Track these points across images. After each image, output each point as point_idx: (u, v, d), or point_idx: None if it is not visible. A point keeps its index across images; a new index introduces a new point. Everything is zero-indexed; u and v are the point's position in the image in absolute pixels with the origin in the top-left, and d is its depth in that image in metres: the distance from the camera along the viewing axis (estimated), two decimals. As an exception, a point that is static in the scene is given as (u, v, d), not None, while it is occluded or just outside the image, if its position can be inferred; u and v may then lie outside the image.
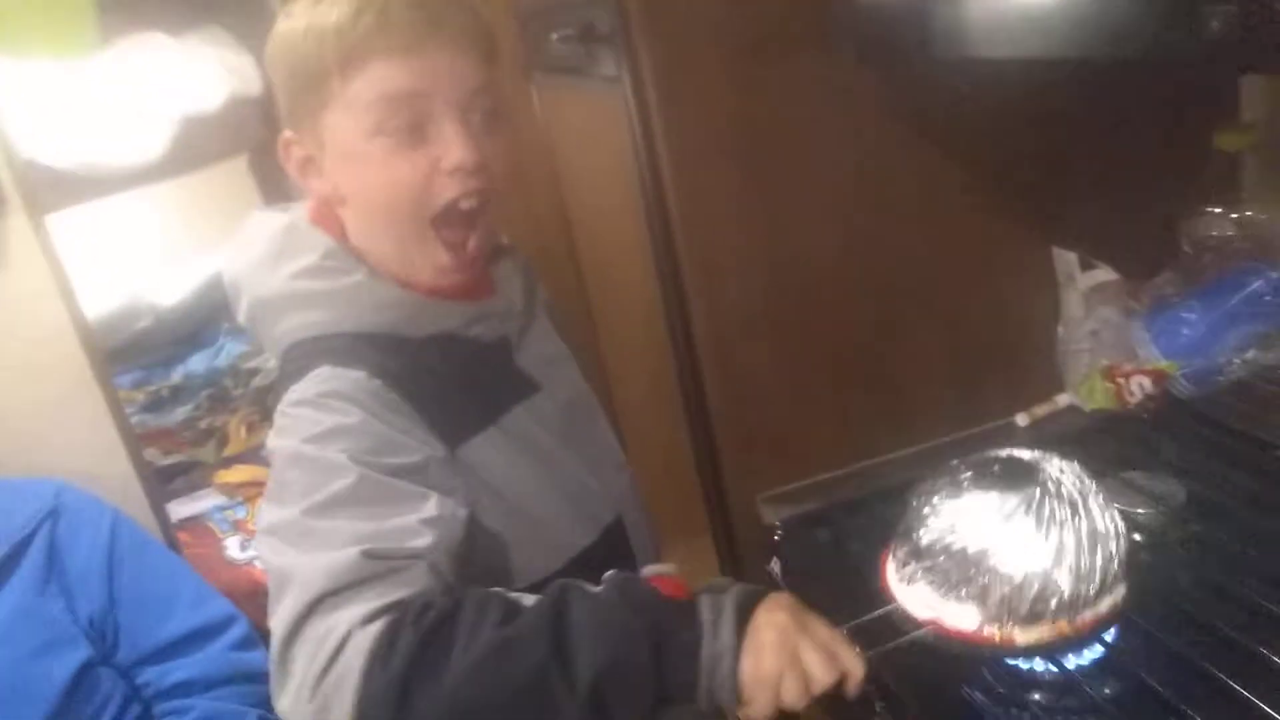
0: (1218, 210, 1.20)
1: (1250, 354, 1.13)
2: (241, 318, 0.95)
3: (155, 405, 2.39)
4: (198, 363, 2.49)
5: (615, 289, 1.63)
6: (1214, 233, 1.20)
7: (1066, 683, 0.86)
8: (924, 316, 1.25)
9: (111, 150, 1.62)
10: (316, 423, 0.81)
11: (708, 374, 1.24)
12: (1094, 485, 0.85)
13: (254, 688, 1.37)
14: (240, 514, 1.99)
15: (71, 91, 1.60)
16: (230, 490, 2.05)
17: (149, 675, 1.32)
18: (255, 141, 2.02)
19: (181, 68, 1.80)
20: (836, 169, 1.18)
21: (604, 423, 1.09)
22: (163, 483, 1.93)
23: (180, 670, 1.32)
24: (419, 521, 0.78)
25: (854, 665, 0.75)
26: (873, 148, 1.18)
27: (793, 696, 0.73)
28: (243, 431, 2.24)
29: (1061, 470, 0.84)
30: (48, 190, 1.49)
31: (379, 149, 0.85)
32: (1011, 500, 0.82)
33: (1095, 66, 1.05)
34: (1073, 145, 1.21)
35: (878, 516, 1.13)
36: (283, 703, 0.74)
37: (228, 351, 2.50)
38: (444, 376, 0.90)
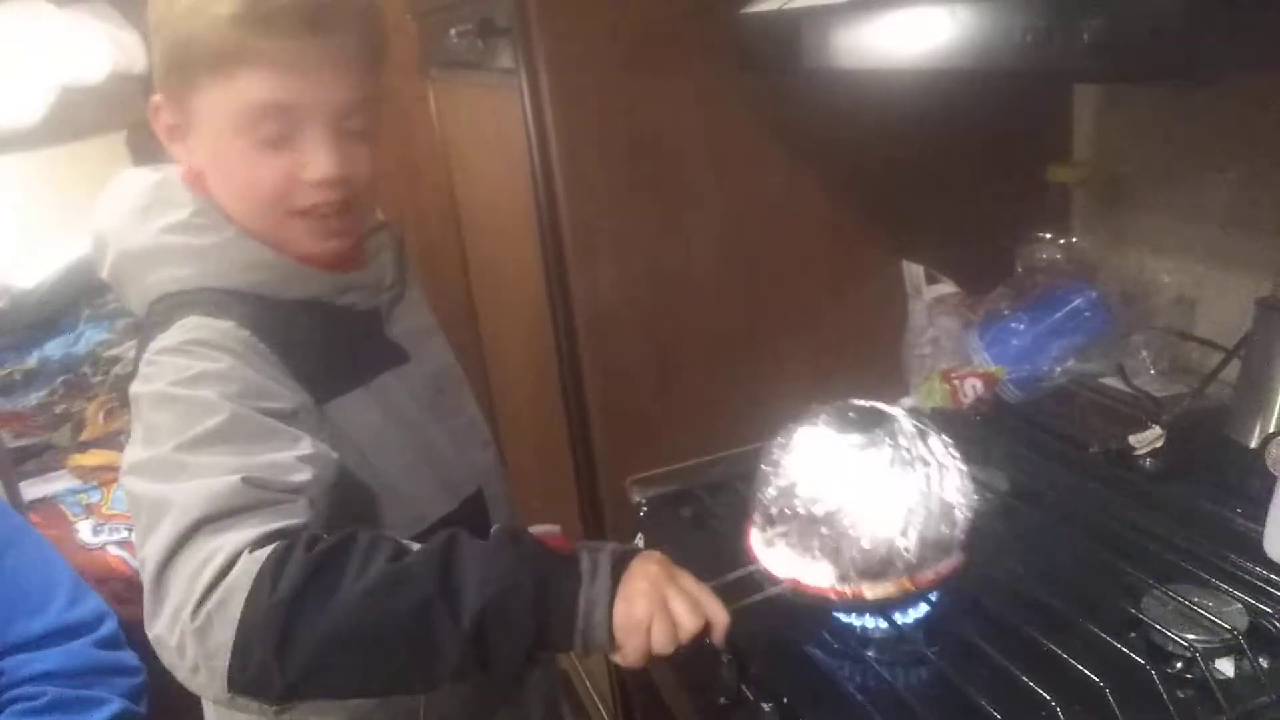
0: (1048, 237, 1.32)
1: (1070, 363, 1.25)
2: (106, 272, 0.93)
3: (7, 389, 2.30)
4: (55, 348, 2.40)
5: (499, 278, 1.68)
6: (1044, 256, 1.32)
7: (897, 639, 0.93)
8: (785, 318, 1.34)
9: (-13, 111, 1.58)
10: (185, 368, 0.81)
11: (586, 362, 1.30)
12: (953, 453, 0.92)
13: (124, 680, 1.35)
14: (94, 498, 1.94)
15: (-55, 49, 1.56)
16: (85, 474, 2.00)
17: (7, 664, 1.28)
18: (135, 118, 1.98)
19: (64, 37, 1.77)
20: (711, 173, 1.25)
21: (471, 398, 1.12)
22: (13, 464, 1.87)
23: (40, 662, 1.29)
24: (295, 458, 0.79)
25: (718, 614, 0.80)
26: (744, 158, 1.26)
27: (661, 641, 0.77)
28: (100, 417, 2.18)
29: (919, 433, 0.91)
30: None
31: (241, 149, 0.85)
32: (868, 460, 0.88)
33: (945, 94, 1.19)
34: (923, 170, 1.32)
35: (736, 496, 1.21)
36: (157, 627, 0.73)
37: (87, 338, 2.42)
38: (312, 336, 0.91)
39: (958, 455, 0.92)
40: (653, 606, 0.77)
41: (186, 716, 1.14)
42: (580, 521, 1.40)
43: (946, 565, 0.90)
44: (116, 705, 1.32)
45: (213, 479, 0.74)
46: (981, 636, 0.89)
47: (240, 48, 0.81)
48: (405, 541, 0.78)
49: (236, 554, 0.71)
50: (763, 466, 0.96)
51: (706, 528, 1.17)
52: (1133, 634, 0.89)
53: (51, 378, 2.31)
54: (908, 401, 1.33)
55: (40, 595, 1.31)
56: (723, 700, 0.95)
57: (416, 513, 0.97)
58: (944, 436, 0.93)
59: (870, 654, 0.94)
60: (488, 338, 1.86)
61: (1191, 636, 0.85)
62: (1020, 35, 0.69)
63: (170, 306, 0.87)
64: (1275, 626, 0.87)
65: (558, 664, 1.40)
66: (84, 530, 1.83)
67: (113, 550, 1.78)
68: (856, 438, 0.90)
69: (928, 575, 0.89)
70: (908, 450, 0.89)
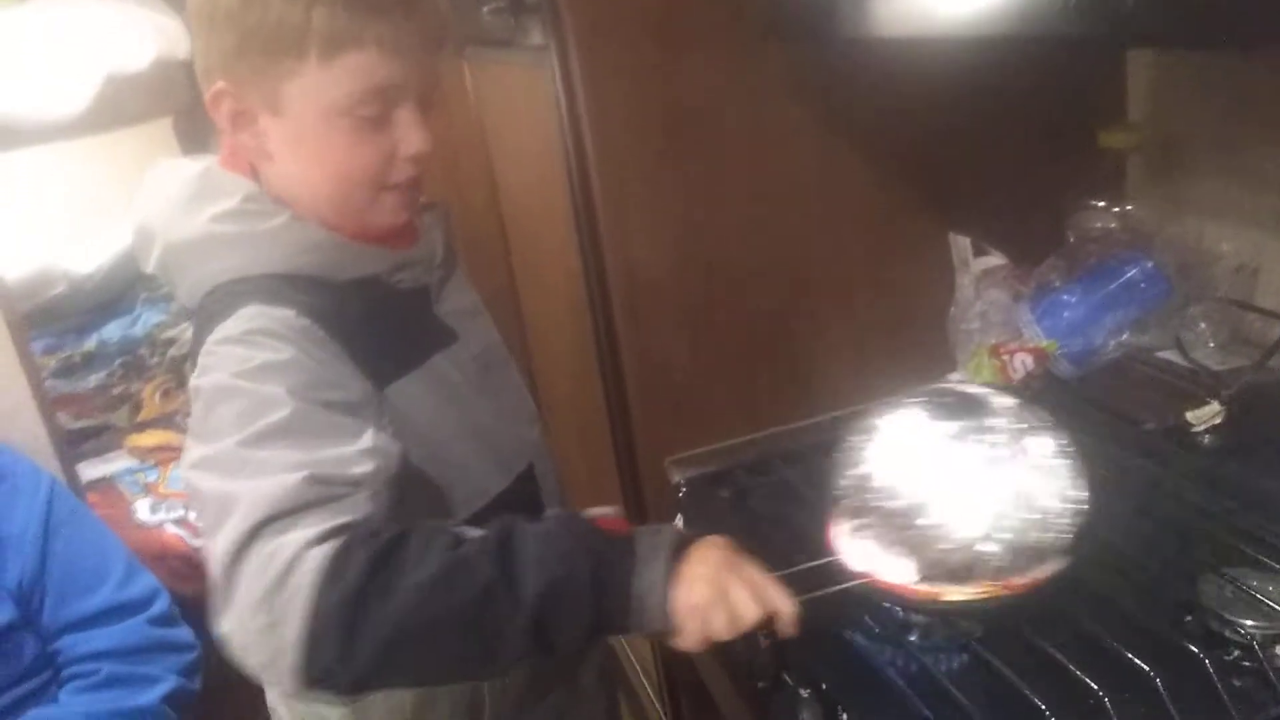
0: (1102, 204, 1.28)
1: (1124, 336, 1.21)
2: (152, 265, 0.94)
3: (67, 371, 2.35)
4: (113, 331, 2.45)
5: (538, 259, 1.67)
6: (1097, 225, 1.27)
7: (939, 624, 0.91)
8: (827, 294, 1.31)
9: (34, 101, 1.60)
10: (246, 359, 0.81)
11: (623, 340, 1.29)
12: (1064, 454, 0.85)
13: (178, 657, 1.38)
14: (151, 477, 1.98)
15: (-7, 40, 1.58)
16: (142, 454, 2.04)
17: (64, 643, 1.32)
18: (181, 104, 2.01)
19: (109, 25, 1.79)
20: (747, 148, 1.23)
21: (517, 376, 1.12)
22: (72, 445, 1.92)
23: (96, 640, 1.33)
24: (357, 452, 0.79)
25: (782, 605, 0.79)
26: (781, 130, 1.23)
27: (719, 627, 0.77)
28: (157, 398, 2.22)
29: (1024, 429, 0.85)
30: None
31: (342, 130, 0.86)
32: (958, 453, 0.84)
33: (991, 58, 1.14)
34: (969, 138, 1.28)
35: (776, 477, 1.20)
36: (226, 623, 0.74)
37: (144, 320, 2.47)
38: (368, 319, 0.91)
39: (1069, 457, 0.86)
40: (711, 593, 0.77)
41: (241, 692, 1.16)
42: (623, 501, 1.39)
43: (1041, 572, 0.84)
44: (171, 682, 1.35)
45: (277, 476, 0.75)
46: (1027, 621, 0.87)
47: (348, 31, 0.83)
48: (461, 530, 0.79)
49: (299, 550, 0.72)
50: (844, 451, 0.92)
51: (746, 509, 1.15)
52: (1188, 619, 0.86)
53: (110, 360, 2.36)
54: (955, 377, 1.30)
55: (94, 574, 1.35)
56: (761, 685, 0.94)
57: (475, 490, 0.97)
58: (1057, 436, 0.86)
59: (912, 639, 0.92)
60: (529, 318, 1.86)
61: (1250, 623, 0.82)
62: (1064, -1, 0.66)
63: (226, 295, 0.87)
64: (1339, 612, 0.83)
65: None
66: (141, 509, 1.87)
67: (170, 528, 1.82)
68: (949, 427, 0.85)
69: (1022, 581, 0.83)
70: (1005, 447, 0.83)
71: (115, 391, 2.28)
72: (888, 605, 0.91)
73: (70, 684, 1.30)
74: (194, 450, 0.81)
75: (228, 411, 0.79)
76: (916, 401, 0.90)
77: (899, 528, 0.84)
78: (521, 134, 1.54)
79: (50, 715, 1.29)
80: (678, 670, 1.41)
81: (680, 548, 0.78)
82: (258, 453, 0.77)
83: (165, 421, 2.15)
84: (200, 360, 0.84)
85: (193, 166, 0.93)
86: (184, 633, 1.42)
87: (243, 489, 0.75)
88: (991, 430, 0.85)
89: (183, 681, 1.37)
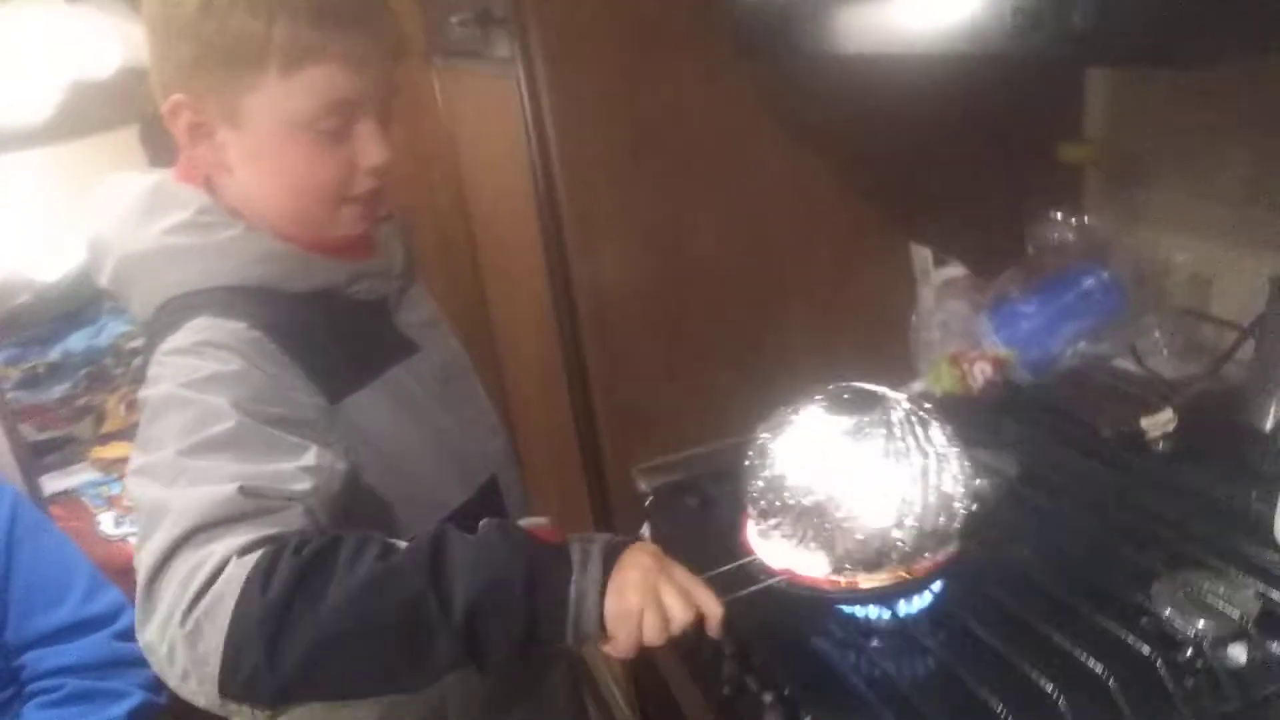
0: (1060, 216, 1.30)
1: (1081, 345, 1.23)
2: (105, 279, 0.93)
3: (31, 383, 2.32)
4: (77, 341, 2.42)
5: (507, 267, 1.68)
6: (1055, 237, 1.29)
7: (900, 629, 0.93)
8: (792, 304, 1.33)
9: (-4, 109, 1.59)
10: (194, 369, 0.80)
11: (589, 352, 1.30)
12: (955, 442, 0.90)
13: (144, 672, 1.36)
14: (115, 490, 1.95)
15: (-45, 48, 1.57)
16: (106, 466, 2.02)
17: (28, 659, 1.30)
18: (147, 113, 1.99)
19: (74, 32, 1.78)
20: (715, 159, 1.24)
21: (479, 387, 1.12)
22: (35, 457, 1.89)
23: (60, 656, 1.30)
24: (297, 469, 0.78)
25: (711, 606, 0.80)
26: (749, 140, 1.25)
27: (652, 632, 0.77)
28: (121, 409, 2.20)
29: (918, 420, 0.89)
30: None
31: (302, 143, 0.86)
32: (859, 448, 0.87)
33: (952, 74, 1.16)
34: (931, 151, 1.30)
35: (740, 485, 1.20)
36: (148, 633, 0.73)
37: (109, 330, 2.44)
38: (324, 331, 0.90)
39: (960, 444, 0.91)
40: (644, 597, 0.77)
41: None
42: (590, 510, 1.39)
43: (944, 554, 0.90)
44: (137, 698, 1.33)
45: (211, 486, 0.74)
46: (985, 626, 0.89)
47: (309, 45, 0.82)
48: (394, 540, 0.77)
49: (226, 559, 0.71)
50: (752, 456, 0.95)
51: (711, 517, 1.17)
52: (1143, 620, 0.87)
53: (74, 371, 2.33)
54: (916, 386, 1.32)
55: (58, 589, 1.32)
56: (726, 691, 0.95)
57: (436, 503, 0.97)
58: (946, 425, 0.91)
59: (873, 644, 0.93)
60: (498, 327, 1.86)
61: (1201, 623, 0.84)
62: (1010, 18, 0.68)
63: (178, 309, 0.86)
64: (1287, 613, 0.85)
65: (577, 653, 1.41)
66: (105, 522, 1.85)
67: (134, 542, 1.79)
68: (847, 423, 0.89)
69: (924, 565, 0.89)
70: (902, 439, 0.87)
71: (79, 403, 2.25)
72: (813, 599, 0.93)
73: (34, 700, 1.28)
74: (136, 458, 0.80)
75: (172, 421, 0.79)
76: (815, 401, 0.93)
77: (808, 524, 0.88)
78: (491, 144, 1.54)
79: (10, 733, 1.27)
80: (646, 679, 1.41)
81: (611, 555, 0.78)
82: (196, 462, 0.76)
83: (129, 433, 2.13)
84: (149, 371, 0.84)
85: (145, 180, 0.92)
86: None
87: (172, 497, 0.74)
88: (886, 423, 0.89)
89: (148, 696, 1.35)
